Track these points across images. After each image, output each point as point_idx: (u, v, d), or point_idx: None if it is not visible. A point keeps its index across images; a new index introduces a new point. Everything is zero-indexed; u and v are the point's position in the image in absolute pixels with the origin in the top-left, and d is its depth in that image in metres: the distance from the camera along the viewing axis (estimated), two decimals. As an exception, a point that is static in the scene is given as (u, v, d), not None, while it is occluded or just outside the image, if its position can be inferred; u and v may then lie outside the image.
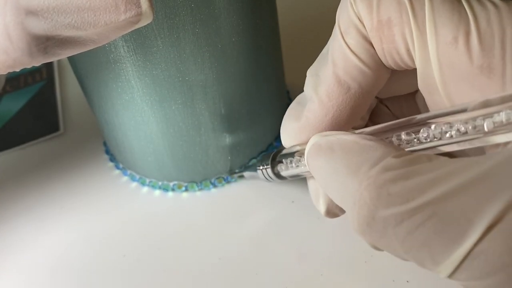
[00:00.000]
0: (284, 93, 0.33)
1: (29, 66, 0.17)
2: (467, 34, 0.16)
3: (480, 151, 0.19)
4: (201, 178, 0.30)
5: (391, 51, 0.19)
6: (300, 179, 0.25)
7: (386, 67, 0.20)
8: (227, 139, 0.29)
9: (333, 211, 0.22)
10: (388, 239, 0.15)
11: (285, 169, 0.24)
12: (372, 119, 0.24)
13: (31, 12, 0.16)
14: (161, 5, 0.22)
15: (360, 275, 0.25)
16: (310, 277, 0.25)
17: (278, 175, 0.25)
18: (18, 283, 0.27)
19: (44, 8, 0.16)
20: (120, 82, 0.25)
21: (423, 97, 0.20)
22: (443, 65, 0.17)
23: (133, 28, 0.17)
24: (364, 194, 0.16)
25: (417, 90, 0.23)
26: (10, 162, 0.35)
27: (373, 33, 0.19)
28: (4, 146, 0.36)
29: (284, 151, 0.24)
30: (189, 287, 0.26)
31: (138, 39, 0.23)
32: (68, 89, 0.39)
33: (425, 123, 0.17)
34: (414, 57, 0.18)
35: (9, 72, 0.18)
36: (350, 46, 0.19)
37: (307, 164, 0.20)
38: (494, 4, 0.16)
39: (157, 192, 0.31)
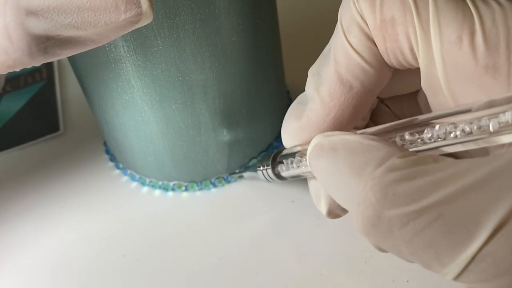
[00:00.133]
0: (284, 93, 0.33)
1: (29, 66, 0.17)
2: (472, 33, 0.16)
3: (484, 152, 0.19)
4: (201, 178, 0.30)
5: (394, 50, 0.19)
6: (301, 179, 0.25)
7: (389, 66, 0.20)
8: (227, 139, 0.29)
9: (335, 212, 0.22)
10: (393, 240, 0.15)
11: (286, 170, 0.24)
12: (373, 119, 0.24)
13: (31, 12, 0.16)
14: (161, 5, 0.22)
15: (360, 275, 0.25)
16: (310, 277, 0.25)
17: (279, 176, 0.25)
18: (18, 283, 0.27)
19: (44, 8, 0.16)
20: (120, 82, 0.25)
21: (424, 96, 0.20)
22: (447, 64, 0.17)
23: (133, 28, 0.17)
24: (369, 194, 0.16)
25: (419, 90, 0.22)
26: (10, 162, 0.35)
27: (376, 32, 0.18)
28: (4, 146, 0.36)
29: (284, 152, 0.24)
30: (189, 287, 0.26)
31: (138, 39, 0.23)
32: (68, 89, 0.39)
33: (428, 123, 0.17)
34: (417, 57, 0.18)
35: (9, 72, 0.18)
36: (353, 45, 0.19)
37: (309, 165, 0.20)
38: (499, 4, 0.16)
39: (157, 192, 0.31)
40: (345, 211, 0.22)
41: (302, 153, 0.22)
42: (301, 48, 0.38)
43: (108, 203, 0.31)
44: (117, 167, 0.32)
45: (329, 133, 0.19)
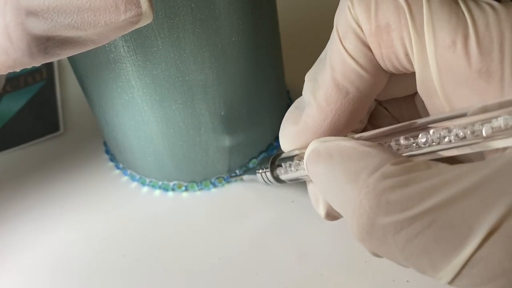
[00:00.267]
0: (284, 93, 0.33)
1: (29, 67, 0.17)
2: (466, 37, 0.16)
3: (480, 155, 0.19)
4: (201, 178, 0.30)
5: (389, 56, 0.19)
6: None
7: (385, 71, 0.20)
8: (227, 139, 0.29)
9: (333, 214, 0.22)
10: (388, 247, 0.15)
11: (284, 173, 0.24)
12: (371, 122, 0.24)
13: (31, 13, 0.16)
14: (161, 5, 0.22)
15: (360, 275, 0.25)
16: (310, 277, 0.25)
17: (277, 179, 0.25)
18: (18, 283, 0.27)
19: (44, 9, 0.16)
20: (120, 82, 0.25)
21: (422, 100, 0.20)
22: (442, 68, 0.17)
23: (133, 28, 0.17)
24: (364, 202, 0.16)
25: (416, 92, 0.23)
26: (10, 162, 0.35)
27: (371, 38, 0.19)
28: (4, 146, 0.36)
29: (283, 155, 0.24)
30: (189, 287, 0.26)
31: (138, 39, 0.23)
32: (68, 89, 0.39)
33: (424, 127, 0.17)
34: (412, 61, 0.18)
35: (9, 72, 0.18)
36: (348, 51, 0.19)
37: (306, 170, 0.20)
38: (493, 8, 0.16)
39: (157, 192, 0.31)
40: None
41: (300, 157, 0.22)
42: (301, 48, 0.38)
43: (108, 203, 0.31)
44: (117, 167, 0.32)
45: (326, 138, 0.20)
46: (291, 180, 0.24)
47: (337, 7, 0.20)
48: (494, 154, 0.17)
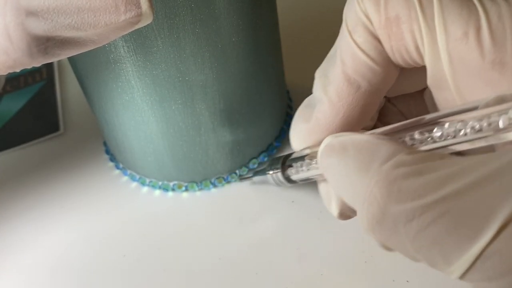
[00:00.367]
0: (284, 93, 0.33)
1: (29, 67, 0.17)
2: (478, 29, 0.16)
3: (491, 149, 0.19)
4: (201, 178, 0.30)
5: (399, 49, 0.19)
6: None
7: (395, 65, 0.20)
8: (227, 139, 0.29)
9: (346, 214, 0.22)
10: (398, 237, 0.15)
11: (296, 173, 0.24)
12: (381, 119, 0.24)
13: (31, 13, 0.16)
14: (161, 5, 0.22)
15: (360, 275, 0.25)
16: (310, 277, 0.25)
17: (288, 179, 0.25)
18: (18, 283, 0.28)
19: (44, 9, 0.16)
20: (120, 82, 0.25)
21: (431, 94, 0.20)
22: (454, 61, 0.17)
23: (133, 29, 0.17)
24: (374, 190, 0.15)
25: (425, 88, 0.23)
26: (10, 162, 0.35)
27: (381, 30, 0.18)
28: (4, 146, 0.36)
29: (293, 155, 0.24)
30: (189, 287, 0.26)
31: (138, 39, 0.23)
32: (68, 89, 0.39)
33: (437, 122, 0.17)
34: (423, 54, 0.18)
35: (9, 72, 0.18)
36: (358, 44, 0.19)
37: (319, 165, 0.20)
38: None
39: (157, 192, 0.31)
40: (356, 212, 0.22)
41: (312, 156, 0.22)
42: (301, 48, 0.38)
43: (108, 203, 0.31)
44: (117, 167, 0.32)
45: (340, 134, 0.19)
46: (302, 180, 0.24)
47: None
48: (509, 146, 0.17)
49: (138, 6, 0.16)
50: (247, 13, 0.25)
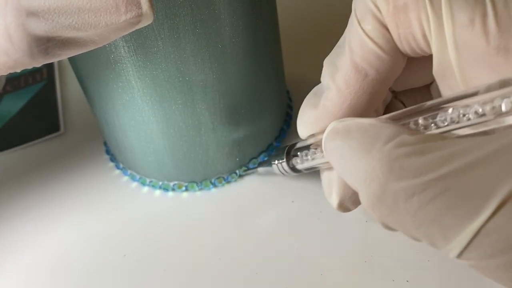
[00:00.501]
0: (284, 93, 0.33)
1: (30, 67, 0.17)
2: (484, 16, 0.17)
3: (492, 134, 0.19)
4: (201, 178, 0.30)
5: (407, 36, 0.19)
6: (303, 179, 0.25)
7: (403, 54, 0.20)
8: (227, 139, 0.29)
9: (345, 205, 0.22)
10: (399, 215, 0.15)
11: (301, 162, 0.24)
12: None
13: (32, 13, 0.16)
14: (161, 5, 0.22)
15: (360, 275, 0.25)
16: (310, 277, 0.25)
17: (294, 169, 0.25)
18: (18, 283, 0.28)
19: (45, 9, 0.16)
20: (120, 82, 0.25)
21: (437, 89, 0.20)
22: (460, 47, 0.17)
23: (133, 29, 0.17)
24: (376, 167, 0.16)
25: (431, 83, 0.23)
26: (10, 162, 0.35)
27: (389, 18, 0.19)
28: (4, 146, 0.36)
29: (298, 145, 0.24)
30: (189, 287, 0.26)
31: (139, 40, 0.23)
32: (69, 89, 0.39)
33: (440, 107, 0.17)
34: (430, 42, 0.18)
35: (9, 72, 0.18)
36: (367, 32, 0.19)
37: (323, 148, 0.20)
38: None
39: (157, 192, 0.31)
40: (355, 204, 0.22)
41: (316, 145, 0.22)
42: (301, 48, 0.38)
43: (108, 203, 0.31)
44: (118, 167, 0.32)
45: (344, 119, 0.20)
46: (307, 169, 0.24)
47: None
48: (509, 129, 0.17)
49: (139, 6, 0.16)
50: (247, 13, 0.25)
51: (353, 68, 0.20)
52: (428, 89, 0.23)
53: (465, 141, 0.15)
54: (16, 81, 0.41)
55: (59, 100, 0.38)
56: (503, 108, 0.15)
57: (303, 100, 0.23)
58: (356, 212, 0.26)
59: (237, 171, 0.30)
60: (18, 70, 0.18)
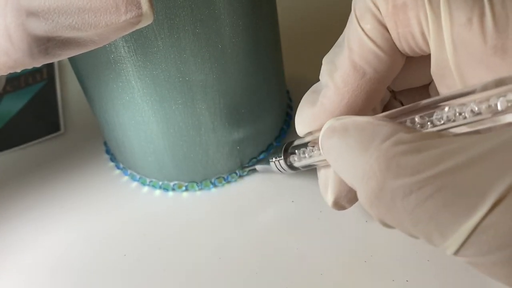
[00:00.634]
0: (284, 93, 0.33)
1: (30, 67, 0.17)
2: (482, 15, 0.17)
3: (487, 132, 0.19)
4: (201, 178, 0.30)
5: (406, 36, 0.19)
6: (303, 179, 0.25)
7: (401, 53, 0.20)
8: (227, 139, 0.29)
9: (341, 203, 0.22)
10: (396, 212, 0.15)
11: (298, 160, 0.24)
12: None
13: (32, 13, 0.16)
14: (161, 5, 0.22)
15: (360, 275, 0.25)
16: (310, 277, 0.25)
17: (291, 166, 0.25)
18: (18, 283, 0.28)
19: (45, 9, 0.16)
20: (120, 82, 0.25)
21: (436, 89, 0.20)
22: (457, 46, 0.18)
23: (133, 29, 0.17)
24: (374, 165, 0.16)
25: (430, 83, 0.23)
26: (11, 162, 0.35)
27: (388, 17, 0.19)
28: (4, 146, 0.36)
29: (296, 142, 0.24)
30: (189, 287, 0.26)
31: (139, 40, 0.23)
32: (69, 89, 0.39)
33: (437, 106, 0.17)
34: (428, 41, 0.18)
35: (9, 72, 0.18)
36: (366, 31, 0.20)
37: (320, 146, 0.20)
38: None
39: (158, 192, 0.31)
40: (350, 203, 0.22)
41: (314, 142, 0.22)
42: (301, 48, 0.38)
43: (108, 203, 0.31)
44: (118, 167, 0.32)
45: (341, 117, 0.20)
46: (304, 166, 0.24)
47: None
48: (505, 128, 0.17)
49: (139, 6, 0.16)
50: (247, 13, 0.25)
51: (352, 67, 0.20)
52: (426, 89, 0.23)
53: (462, 139, 0.15)
54: (16, 81, 0.41)
55: (59, 100, 0.38)
56: (499, 107, 0.15)
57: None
58: (356, 211, 0.26)
59: (237, 171, 0.30)
60: (18, 70, 0.18)
